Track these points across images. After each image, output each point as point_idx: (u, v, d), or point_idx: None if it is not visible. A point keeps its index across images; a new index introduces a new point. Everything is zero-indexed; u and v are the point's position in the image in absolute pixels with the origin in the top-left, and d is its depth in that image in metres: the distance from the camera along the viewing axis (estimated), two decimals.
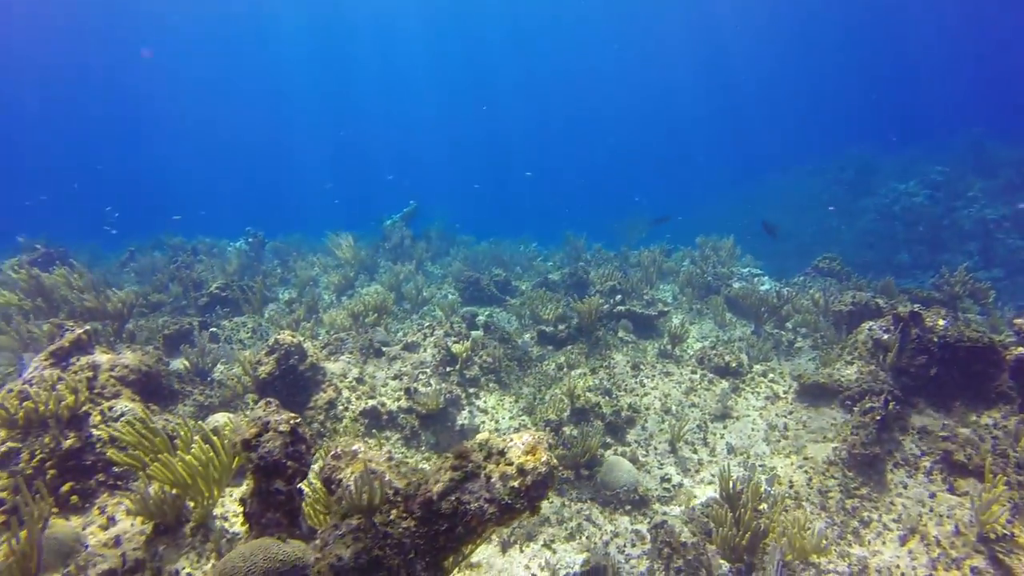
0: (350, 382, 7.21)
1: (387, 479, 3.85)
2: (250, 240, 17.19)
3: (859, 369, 7.51)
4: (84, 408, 6.01)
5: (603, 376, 8.53)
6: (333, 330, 9.50)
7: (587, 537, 5.93)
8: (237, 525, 5.57)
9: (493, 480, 3.68)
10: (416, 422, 6.99)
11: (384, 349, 8.00)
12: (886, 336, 7.51)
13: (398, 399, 7.15)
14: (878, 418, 6.46)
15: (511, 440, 3.89)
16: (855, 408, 6.90)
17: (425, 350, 7.98)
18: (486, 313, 12.05)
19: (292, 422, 3.98)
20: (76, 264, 8.97)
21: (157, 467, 4.87)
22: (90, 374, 6.34)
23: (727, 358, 8.75)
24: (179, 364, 8.36)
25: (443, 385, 7.30)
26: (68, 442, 5.71)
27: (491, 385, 8.23)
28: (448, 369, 7.78)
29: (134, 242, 17.83)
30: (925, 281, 16.68)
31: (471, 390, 7.94)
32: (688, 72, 63.67)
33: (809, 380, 7.70)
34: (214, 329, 9.58)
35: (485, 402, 7.86)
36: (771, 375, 8.50)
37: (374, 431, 6.97)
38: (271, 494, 3.90)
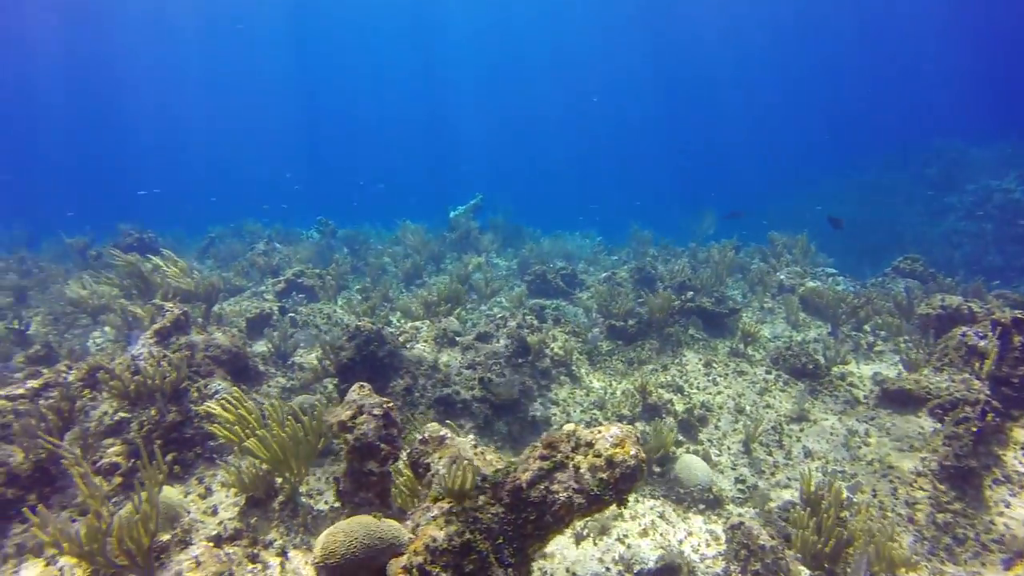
0: (426, 369, 7.40)
1: (475, 465, 3.95)
2: (321, 229, 17.80)
3: (950, 376, 7.16)
4: (183, 384, 6.40)
5: (675, 373, 8.44)
6: (406, 318, 9.75)
7: (661, 534, 5.91)
8: (320, 503, 5.83)
9: (582, 471, 3.73)
10: (490, 411, 7.12)
11: (457, 339, 8.16)
12: (983, 343, 7.12)
13: (472, 388, 7.28)
14: (975, 429, 6.15)
15: (599, 432, 3.92)
16: (947, 417, 6.59)
17: (498, 341, 8.09)
18: (553, 306, 12.08)
19: (385, 406, 4.13)
20: (166, 251, 9.50)
21: (254, 442, 5.14)
22: (188, 353, 6.74)
23: (803, 359, 8.50)
24: (261, 346, 8.78)
25: (516, 376, 7.39)
26: (171, 415, 6.10)
27: (562, 378, 8.27)
28: (520, 360, 7.86)
29: (215, 228, 18.76)
30: (1022, 285, 15.69)
31: (543, 382, 8.01)
32: (748, 63, 61.54)
33: (894, 386, 7.39)
34: (292, 314, 9.99)
35: (556, 394, 7.92)
36: (850, 378, 8.20)
37: (448, 419, 7.13)
38: (364, 474, 4.07)
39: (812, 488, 5.63)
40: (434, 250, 15.61)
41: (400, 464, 4.79)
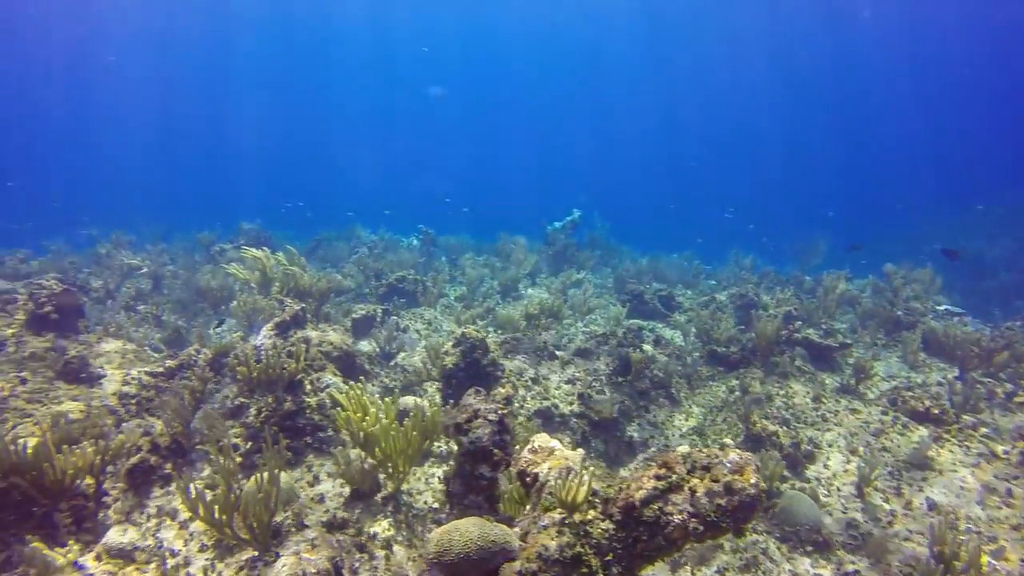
0: (526, 381, 7.46)
1: (588, 479, 3.93)
2: (421, 237, 18.40)
3: None
4: (299, 376, 6.78)
5: (780, 404, 8.06)
6: (505, 329, 9.88)
7: (763, 572, 5.63)
8: (420, 502, 5.98)
9: (698, 495, 3.63)
10: (587, 428, 7.07)
11: (557, 353, 8.17)
12: None
13: (571, 403, 7.26)
14: None
15: (716, 457, 3.81)
16: None
17: (598, 358, 8.04)
18: (649, 327, 11.88)
19: (500, 412, 4.20)
20: (289, 248, 10.14)
21: (377, 430, 5.36)
22: (304, 347, 7.14)
23: (927, 403, 7.88)
24: (365, 346, 9.17)
25: (615, 394, 7.31)
26: (286, 404, 6.48)
27: (661, 400, 8.10)
28: (620, 379, 7.77)
29: (322, 231, 19.83)
30: None
31: (641, 403, 7.87)
32: (866, 84, 58.07)
33: None
34: (394, 317, 10.36)
35: (655, 416, 7.76)
36: (984, 429, 7.51)
37: (545, 432, 7.15)
38: (475, 477, 4.14)
39: (947, 546, 5.18)
40: (531, 264, 15.76)
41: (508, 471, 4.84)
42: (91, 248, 15.64)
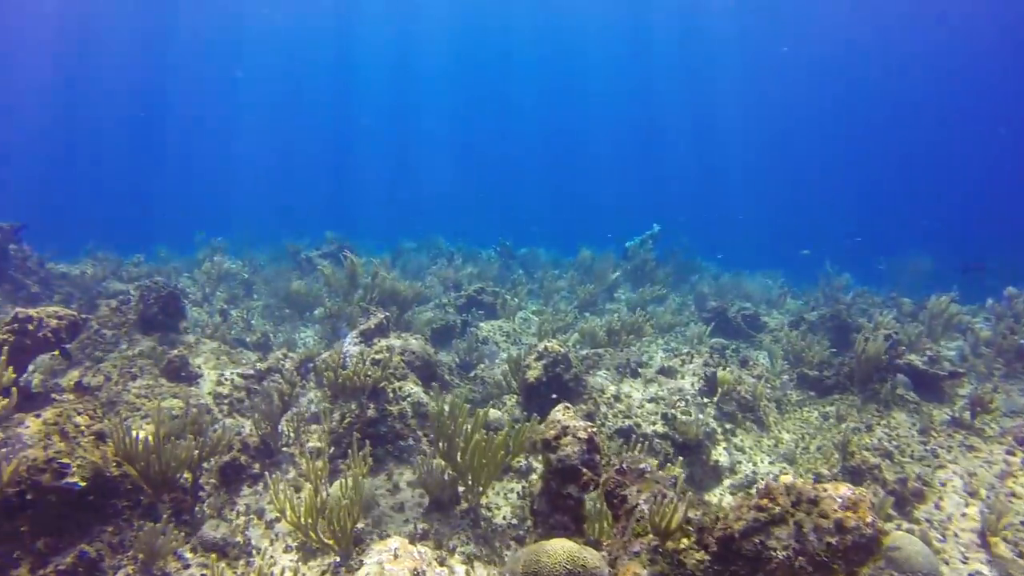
0: (608, 398, 7.26)
1: (682, 505, 3.72)
2: (499, 249, 18.50)
3: None
4: (382, 384, 6.87)
5: (881, 435, 7.46)
6: (583, 344, 9.71)
7: None
8: (499, 517, 5.89)
9: (805, 530, 3.34)
10: (671, 449, 6.78)
11: (640, 370, 7.93)
12: None
13: (654, 423, 7.00)
14: None
15: (825, 490, 3.50)
16: None
17: (683, 377, 7.74)
18: (733, 347, 11.39)
19: (590, 430, 4.05)
20: (379, 260, 10.37)
21: (447, 448, 5.34)
22: (387, 355, 7.23)
23: None
24: (445, 356, 9.23)
25: (700, 416, 6.99)
26: (369, 412, 6.56)
27: (748, 424, 7.69)
28: (705, 400, 7.44)
29: (403, 242, 20.31)
30: None
31: (727, 425, 7.50)
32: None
33: None
34: (474, 329, 10.39)
35: (742, 440, 7.37)
36: None
37: (622, 451, 6.92)
38: (562, 497, 4.01)
39: None
40: (611, 278, 15.51)
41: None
42: (192, 254, 16.67)
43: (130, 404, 6.84)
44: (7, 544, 4.67)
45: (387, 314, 7.95)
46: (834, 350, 10.29)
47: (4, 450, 5.04)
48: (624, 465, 4.17)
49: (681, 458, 6.76)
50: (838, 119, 63.59)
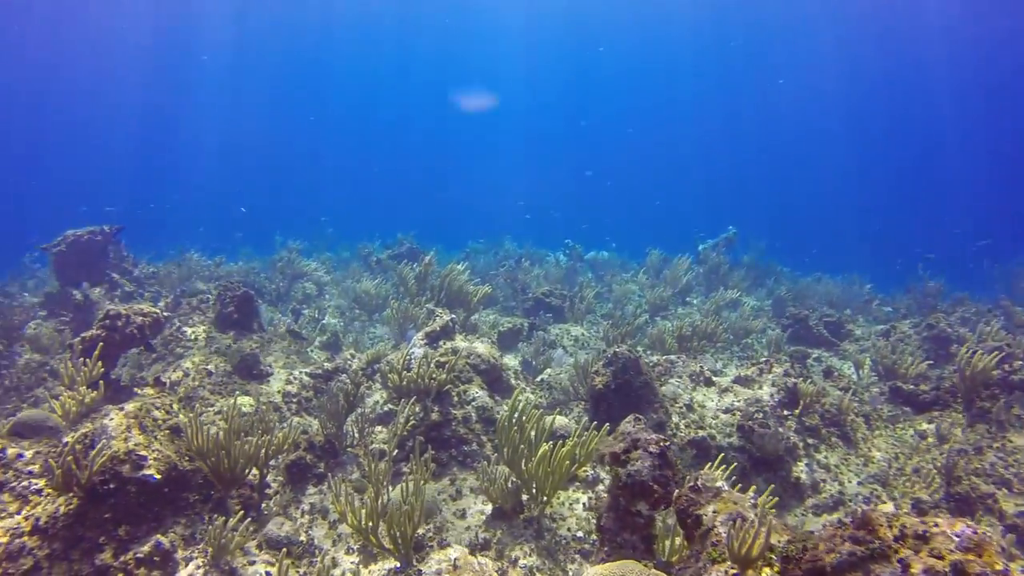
0: (680, 407, 6.90)
1: (765, 530, 3.39)
2: (568, 252, 18.24)
3: None
4: (446, 387, 6.78)
5: (994, 459, 6.73)
6: (653, 350, 9.34)
7: None
8: (563, 529, 5.66)
9: (914, 572, 2.95)
10: (747, 464, 6.36)
11: (714, 379, 7.51)
12: None
13: (729, 435, 6.59)
14: None
15: (936, 526, 3.09)
16: None
17: (760, 387, 7.27)
18: (815, 356, 10.69)
19: (662, 444, 3.78)
20: (458, 266, 10.39)
21: (510, 455, 5.17)
22: (452, 358, 7.15)
23: None
24: (511, 360, 9.07)
25: (780, 429, 6.52)
26: (434, 415, 6.48)
27: (833, 439, 7.13)
28: (786, 413, 6.95)
29: (471, 244, 20.38)
30: None
31: (810, 440, 6.97)
32: None
33: None
34: (541, 332, 10.20)
35: (826, 457, 6.83)
36: None
37: (695, 464, 6.54)
38: (631, 514, 3.75)
39: None
40: (682, 283, 14.97)
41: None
42: (271, 255, 17.29)
43: (205, 400, 7.06)
44: (94, 530, 4.85)
45: (453, 316, 7.88)
46: (931, 362, 9.48)
47: (101, 440, 5.26)
48: (699, 482, 3.87)
49: (757, 473, 6.34)
50: (928, 117, 59.55)
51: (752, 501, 3.76)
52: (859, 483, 6.65)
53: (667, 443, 3.83)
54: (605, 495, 4.08)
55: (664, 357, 7.94)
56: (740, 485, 5.63)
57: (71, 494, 4.93)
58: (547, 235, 22.84)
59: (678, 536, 3.88)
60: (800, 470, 6.61)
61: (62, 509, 4.88)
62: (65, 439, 5.32)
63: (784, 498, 6.38)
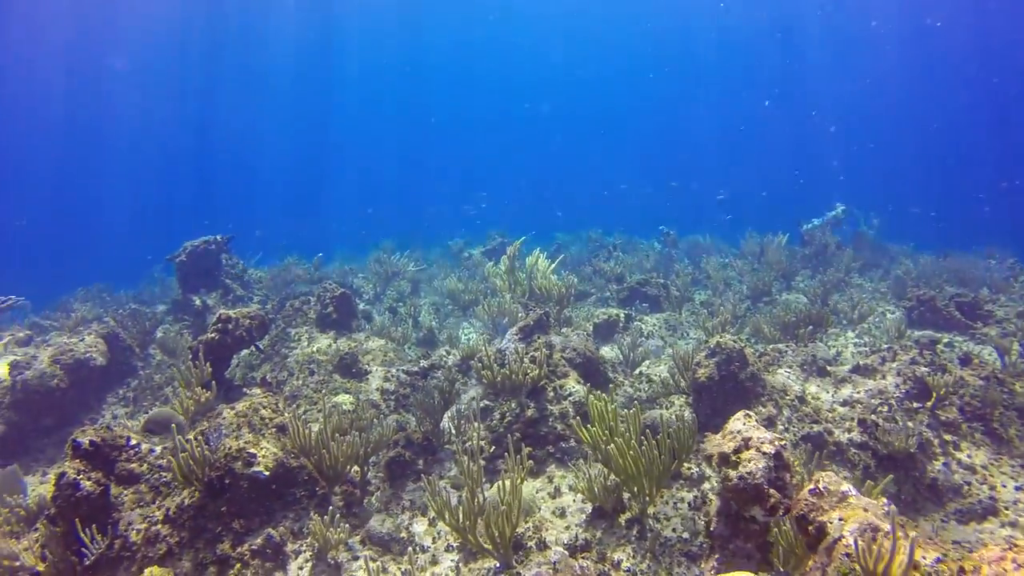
0: (791, 399, 6.39)
1: (905, 544, 3.00)
2: (662, 239, 17.62)
3: None
4: (542, 383, 6.64)
5: None
6: (757, 338, 8.78)
7: None
8: (668, 530, 5.37)
9: None
10: (872, 462, 5.78)
11: (828, 368, 6.91)
12: None
13: (849, 430, 6.03)
14: None
15: None
16: None
17: (884, 377, 6.60)
18: (945, 341, 9.65)
19: (777, 443, 3.44)
20: (538, 256, 10.26)
21: (612, 450, 4.95)
22: (547, 352, 7.00)
23: None
24: (607, 352, 8.81)
25: (910, 424, 5.88)
26: (529, 411, 6.37)
27: (977, 435, 6.35)
28: (916, 405, 6.27)
29: (559, 235, 20.16)
30: None
31: (947, 437, 6.25)
32: None
33: None
34: (638, 323, 9.86)
35: (972, 457, 6.09)
36: None
37: (811, 462, 6.03)
38: (744, 520, 3.45)
39: None
40: (784, 266, 14.05)
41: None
42: (365, 256, 17.92)
43: (308, 398, 7.33)
44: (214, 521, 5.12)
45: (546, 310, 7.73)
46: None
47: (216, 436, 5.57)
48: (820, 485, 3.50)
49: (888, 475, 5.75)
50: None
51: (886, 508, 3.35)
52: (1018, 488, 5.88)
53: (783, 442, 3.48)
54: (713, 497, 3.78)
55: (771, 346, 7.41)
56: (866, 484, 5.13)
57: (193, 487, 5.23)
58: (632, 221, 22.26)
59: (799, 544, 3.53)
60: (936, 470, 5.93)
61: (187, 501, 5.18)
62: (188, 436, 5.67)
63: (918, 501, 5.75)
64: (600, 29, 59.89)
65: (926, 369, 6.53)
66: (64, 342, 8.39)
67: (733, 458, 3.43)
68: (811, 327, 8.47)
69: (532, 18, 58.91)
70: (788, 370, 6.92)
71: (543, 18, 58.65)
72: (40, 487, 6.95)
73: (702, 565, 4.25)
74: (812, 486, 3.55)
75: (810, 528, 3.43)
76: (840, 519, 3.33)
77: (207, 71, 58.47)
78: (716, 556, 3.54)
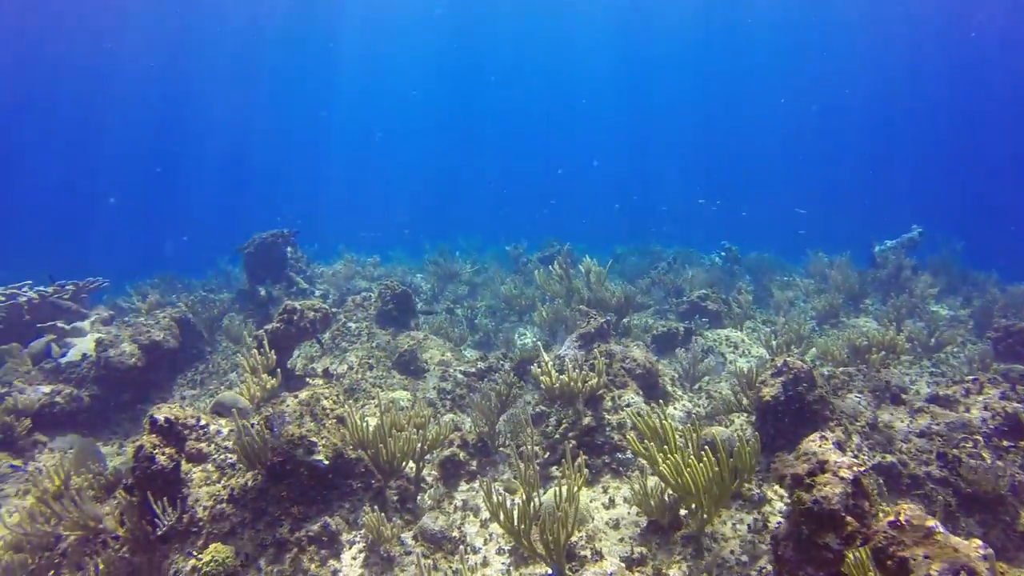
0: (861, 426, 6.10)
1: None
2: (723, 254, 17.20)
3: None
4: (600, 392, 6.56)
5: None
6: (822, 361, 8.43)
7: None
8: (726, 551, 5.20)
9: None
10: (953, 500, 5.43)
11: (903, 396, 6.57)
12: None
13: (926, 463, 5.70)
14: None
15: None
16: None
17: (968, 410, 6.22)
18: None
19: (855, 469, 3.28)
20: (587, 262, 10.18)
21: (667, 467, 4.83)
22: (606, 361, 6.91)
23: None
24: (665, 367, 8.63)
25: (1000, 463, 5.50)
26: (586, 419, 6.29)
27: None
28: (1007, 443, 5.87)
29: (618, 247, 19.94)
30: None
31: None
32: None
33: None
34: (698, 338, 9.63)
35: None
36: None
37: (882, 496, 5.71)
38: (816, 547, 3.29)
39: None
40: (853, 288, 13.48)
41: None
42: (421, 257, 18.20)
43: (366, 392, 7.45)
44: (274, 505, 5.26)
45: (607, 318, 7.64)
46: None
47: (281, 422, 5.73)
48: (902, 518, 3.30)
49: (968, 514, 5.40)
50: None
51: (983, 551, 3.14)
52: None
53: (862, 468, 3.31)
54: (782, 520, 3.63)
55: (841, 369, 7.09)
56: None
57: (256, 471, 5.39)
58: (694, 236, 21.81)
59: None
60: None
61: (250, 483, 5.34)
62: (253, 420, 5.85)
63: (1009, 550, 5.36)
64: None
65: (1020, 405, 6.11)
66: (142, 323, 8.83)
67: (807, 480, 3.27)
68: (883, 352, 8.08)
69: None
70: (859, 395, 6.60)
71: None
72: (116, 459, 7.31)
73: None
74: (892, 518, 3.35)
75: (889, 563, 3.24)
76: (926, 556, 3.14)
77: (283, 76, 61.41)
78: None
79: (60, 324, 9.81)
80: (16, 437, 7.29)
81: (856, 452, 5.92)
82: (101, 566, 4.46)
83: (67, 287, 10.93)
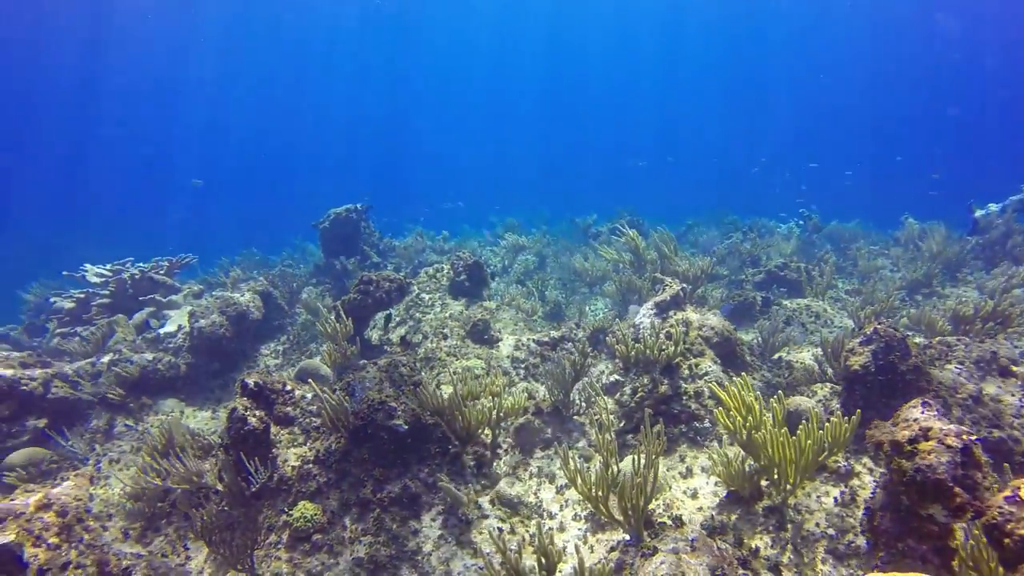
0: (963, 398, 5.70)
1: None
2: (801, 222, 16.40)
3: None
4: (676, 360, 6.41)
5: None
6: (916, 331, 7.93)
7: None
8: (811, 523, 5.01)
9: None
10: None
11: (1013, 368, 6.08)
12: None
13: None
14: None
15: None
16: None
17: None
18: None
19: (965, 437, 3.05)
20: (660, 229, 9.91)
21: (758, 437, 4.68)
22: (683, 329, 6.74)
23: None
24: (745, 335, 8.35)
25: None
26: (662, 388, 6.17)
27: None
28: None
29: (691, 218, 19.35)
30: None
31: None
32: None
33: None
34: (777, 307, 9.25)
35: None
36: None
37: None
38: (919, 518, 3.10)
39: None
40: (949, 256, 12.55)
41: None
42: (487, 231, 18.29)
43: (441, 361, 7.58)
44: (357, 467, 5.46)
45: (683, 286, 7.43)
46: None
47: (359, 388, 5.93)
48: (1021, 493, 3.06)
49: None
50: None
51: None
52: None
53: (973, 437, 3.08)
54: (877, 490, 3.44)
55: (937, 339, 6.63)
56: None
57: (339, 434, 5.59)
58: (771, 207, 20.86)
59: (991, 560, 3.12)
60: None
61: (334, 446, 5.56)
62: (335, 386, 6.07)
63: None
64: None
65: None
66: (228, 296, 9.28)
67: (908, 448, 3.07)
68: (989, 323, 7.52)
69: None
70: (959, 366, 6.15)
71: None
72: (210, 422, 7.78)
73: (854, 562, 3.91)
74: (1010, 493, 3.11)
75: (1007, 541, 3.02)
76: None
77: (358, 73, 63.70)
78: (881, 554, 3.22)
79: (158, 297, 10.46)
80: (127, 400, 7.91)
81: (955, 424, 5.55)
82: (205, 517, 4.78)
83: (162, 263, 11.62)
